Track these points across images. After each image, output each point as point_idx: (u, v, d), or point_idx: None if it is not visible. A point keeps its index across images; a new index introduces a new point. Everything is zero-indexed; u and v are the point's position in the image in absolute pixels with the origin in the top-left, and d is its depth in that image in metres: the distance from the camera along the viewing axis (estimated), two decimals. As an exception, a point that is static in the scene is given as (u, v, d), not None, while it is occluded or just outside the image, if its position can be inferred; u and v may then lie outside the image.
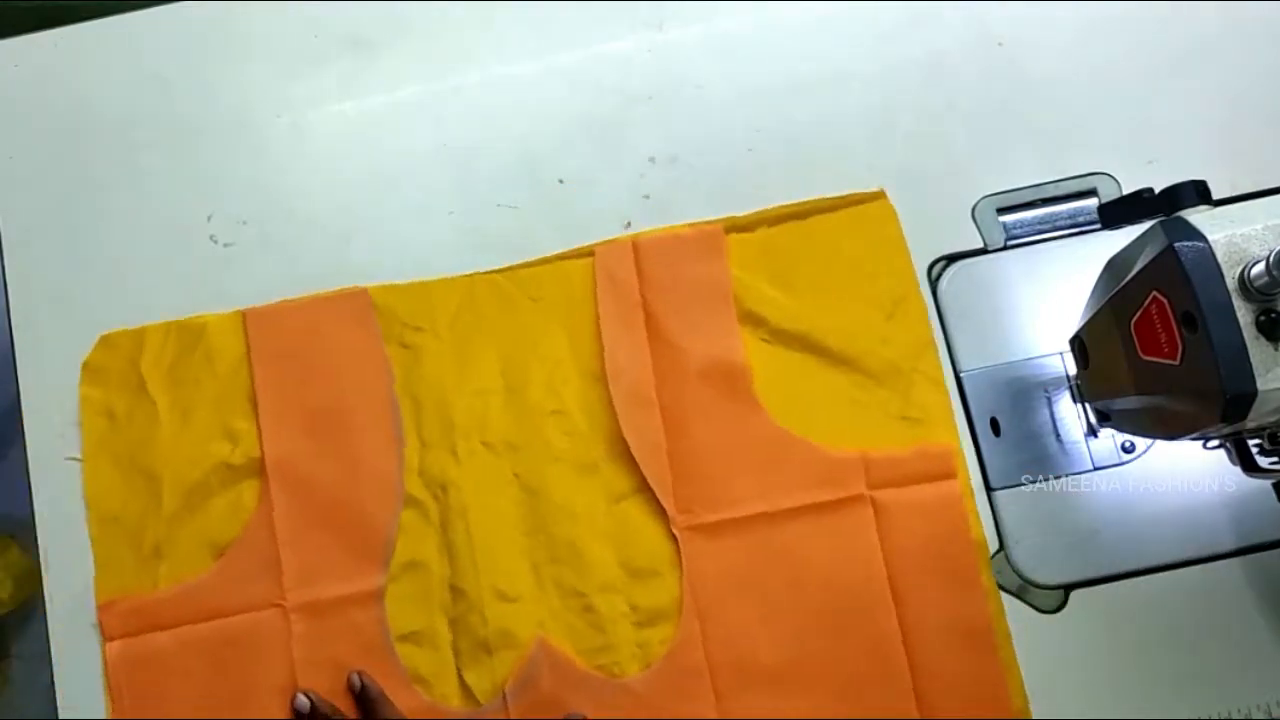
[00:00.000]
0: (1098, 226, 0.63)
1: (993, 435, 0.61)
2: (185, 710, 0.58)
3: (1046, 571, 0.59)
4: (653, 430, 0.60)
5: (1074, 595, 0.59)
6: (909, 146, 0.65)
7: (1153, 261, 0.43)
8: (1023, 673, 0.57)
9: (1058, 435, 0.61)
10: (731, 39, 0.68)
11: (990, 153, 0.65)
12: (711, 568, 0.59)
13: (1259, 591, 0.58)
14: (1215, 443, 0.52)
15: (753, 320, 0.62)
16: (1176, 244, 0.41)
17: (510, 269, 0.64)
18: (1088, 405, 0.60)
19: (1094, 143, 0.65)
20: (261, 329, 0.63)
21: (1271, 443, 0.48)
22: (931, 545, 0.58)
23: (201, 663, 0.59)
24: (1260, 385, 0.40)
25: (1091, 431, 0.60)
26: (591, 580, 0.59)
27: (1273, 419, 0.43)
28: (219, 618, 0.59)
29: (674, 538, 0.59)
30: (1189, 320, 0.41)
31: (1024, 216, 0.64)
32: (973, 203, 0.64)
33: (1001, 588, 0.58)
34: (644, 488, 0.60)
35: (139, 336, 0.63)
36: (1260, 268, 0.39)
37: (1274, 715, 0.56)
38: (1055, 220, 0.64)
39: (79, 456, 0.62)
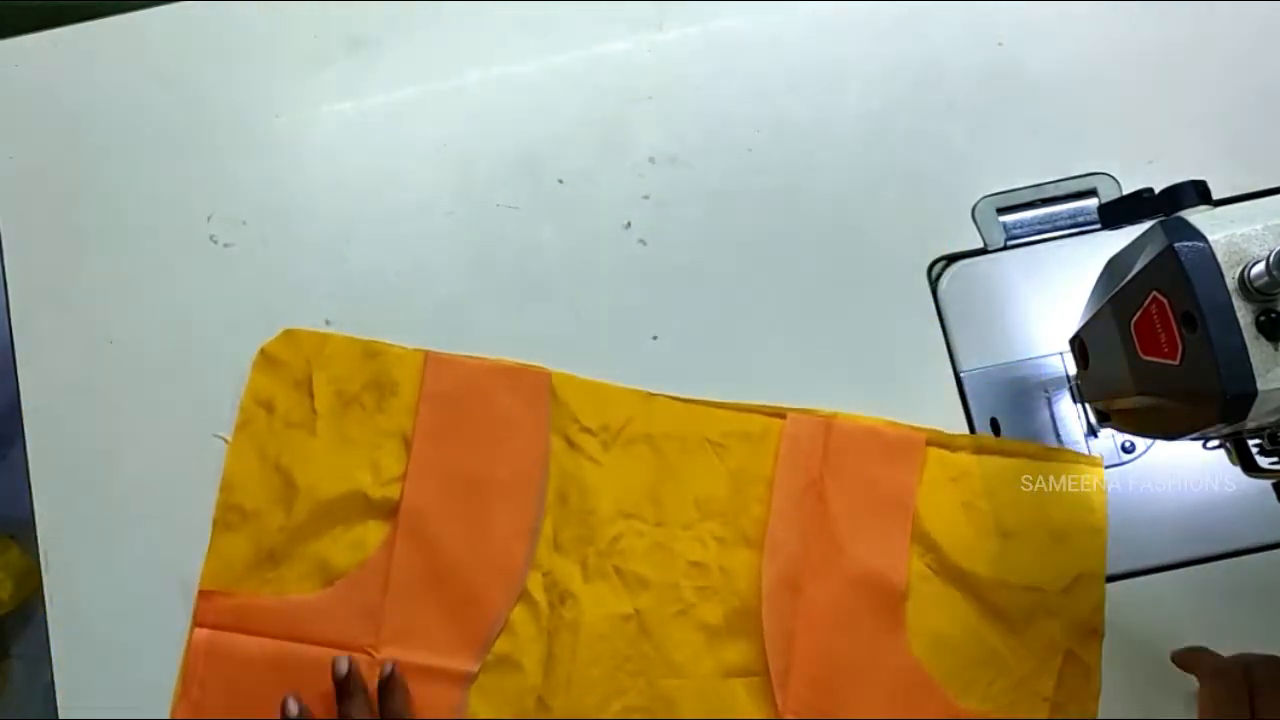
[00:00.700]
0: (1098, 226, 0.63)
1: (993, 435, 0.61)
2: (246, 714, 0.58)
3: (1046, 571, 0.59)
4: (790, 619, 0.57)
5: (1074, 595, 0.58)
6: (909, 146, 0.65)
7: (1153, 261, 0.43)
8: (1023, 673, 0.57)
9: (1058, 435, 0.61)
10: (731, 39, 0.68)
11: (990, 153, 0.65)
12: None
13: (1259, 591, 0.58)
14: (1215, 443, 0.52)
15: (925, 543, 0.58)
16: (1176, 244, 0.41)
17: (694, 401, 0.61)
18: (1088, 405, 0.60)
19: (1094, 143, 0.65)
20: (439, 375, 0.61)
21: (1271, 443, 0.48)
22: None
23: (276, 678, 0.58)
24: (1260, 385, 0.39)
25: (1091, 431, 0.60)
26: None
27: (1273, 419, 0.43)
28: (308, 643, 0.58)
29: None
30: (1189, 320, 0.41)
31: (1024, 216, 0.64)
32: (973, 203, 0.64)
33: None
34: (761, 671, 0.57)
35: (321, 341, 0.62)
36: (1260, 268, 0.39)
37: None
38: (1055, 220, 0.64)
39: (226, 436, 0.61)
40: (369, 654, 0.58)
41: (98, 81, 0.68)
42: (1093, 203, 0.64)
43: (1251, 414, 0.40)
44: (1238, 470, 0.50)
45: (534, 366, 0.62)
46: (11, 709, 1.21)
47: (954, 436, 0.60)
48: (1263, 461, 0.49)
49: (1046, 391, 0.61)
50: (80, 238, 0.66)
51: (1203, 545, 0.58)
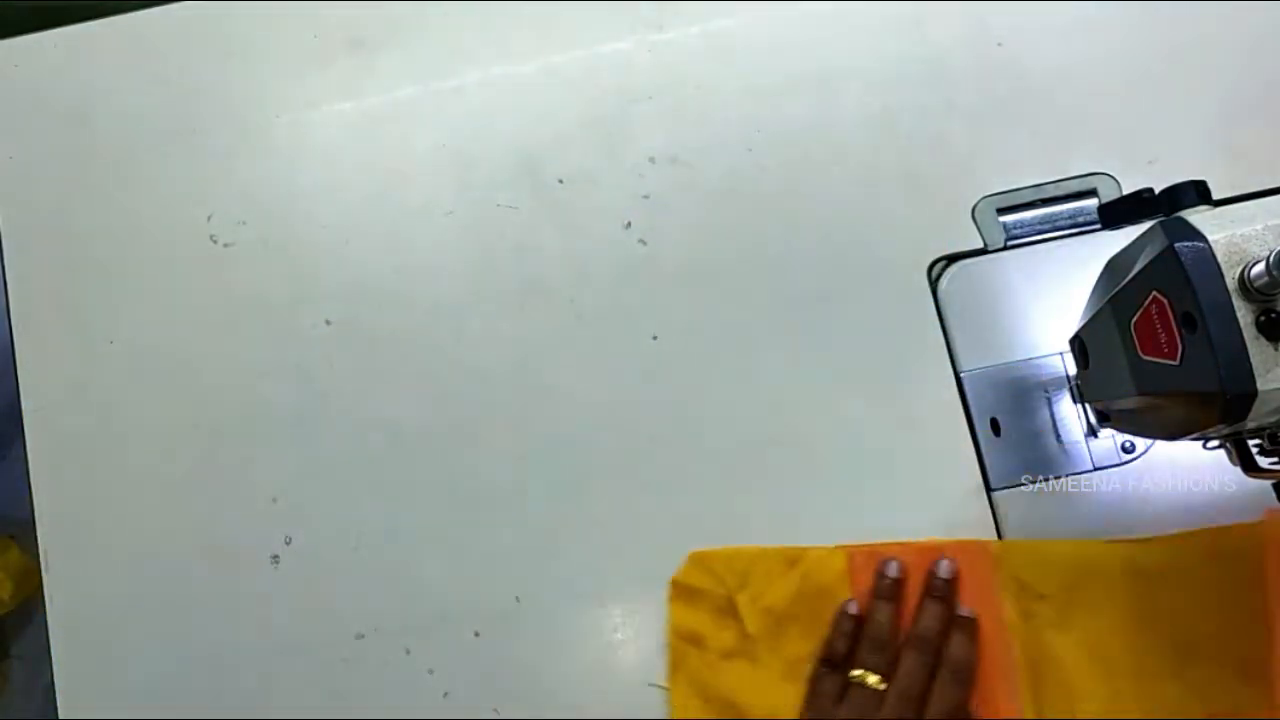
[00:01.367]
0: (1098, 226, 0.63)
1: (993, 435, 0.61)
2: None
3: (1046, 571, 0.59)
4: None
5: (1074, 595, 0.58)
6: (909, 146, 0.65)
7: (1153, 261, 0.43)
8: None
9: (1058, 435, 0.61)
10: (731, 39, 0.68)
11: (990, 153, 0.65)
12: None
13: (1259, 591, 0.58)
14: (1215, 443, 0.52)
15: None
16: (1176, 244, 0.41)
17: (1137, 541, 0.56)
18: (1088, 405, 0.60)
19: (1094, 143, 0.65)
20: (867, 571, 0.57)
21: (1271, 443, 0.48)
22: None
23: None
24: (1260, 385, 0.39)
25: (1091, 431, 0.60)
26: None
27: (1273, 419, 0.43)
28: None
29: None
30: (1189, 320, 0.41)
31: (1024, 216, 0.64)
32: (973, 203, 0.64)
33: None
34: None
35: (731, 557, 0.58)
36: (1260, 268, 0.39)
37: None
38: (1055, 220, 0.64)
39: (662, 683, 0.57)
40: None
41: (98, 81, 0.68)
42: (1093, 203, 0.64)
43: (1251, 414, 0.40)
44: (1238, 470, 0.50)
45: (970, 541, 0.57)
46: (11, 709, 1.21)
47: None
48: (1263, 461, 0.49)
49: (1046, 391, 0.61)
50: (80, 238, 0.66)
51: (1203, 545, 0.58)
